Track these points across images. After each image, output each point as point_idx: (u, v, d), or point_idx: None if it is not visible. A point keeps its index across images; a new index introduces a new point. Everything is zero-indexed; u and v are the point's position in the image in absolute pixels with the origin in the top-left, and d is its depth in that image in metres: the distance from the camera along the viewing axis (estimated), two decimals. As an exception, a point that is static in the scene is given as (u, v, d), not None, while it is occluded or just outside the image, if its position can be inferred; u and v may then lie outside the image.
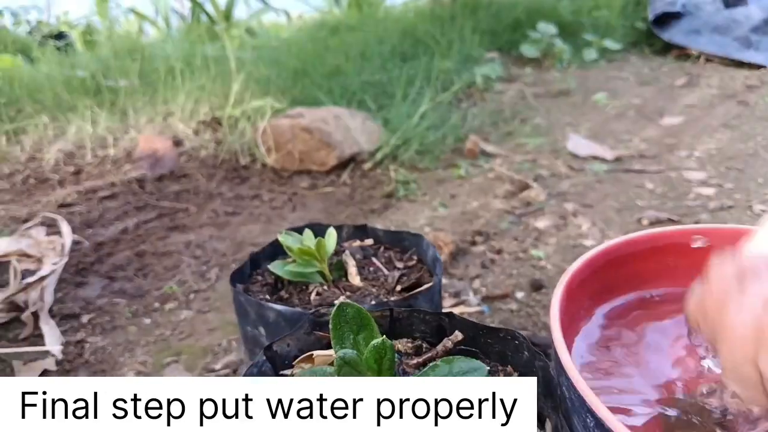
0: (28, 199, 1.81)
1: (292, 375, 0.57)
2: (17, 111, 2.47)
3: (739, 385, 0.44)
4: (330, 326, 0.53)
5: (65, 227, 1.28)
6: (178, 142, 2.10)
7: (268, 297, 0.74)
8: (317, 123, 1.81)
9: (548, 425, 0.51)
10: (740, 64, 3.05)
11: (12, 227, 1.56)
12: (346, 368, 0.48)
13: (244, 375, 0.54)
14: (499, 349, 0.57)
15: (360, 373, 0.48)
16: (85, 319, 1.19)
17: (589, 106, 2.47)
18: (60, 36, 4.09)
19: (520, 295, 1.19)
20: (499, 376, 0.56)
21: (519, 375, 0.55)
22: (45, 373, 1.05)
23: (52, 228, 1.43)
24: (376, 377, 0.48)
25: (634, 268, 0.67)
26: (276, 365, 0.57)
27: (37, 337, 1.14)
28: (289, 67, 2.45)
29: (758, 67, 2.98)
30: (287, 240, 0.77)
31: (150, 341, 1.12)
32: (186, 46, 3.04)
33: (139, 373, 1.04)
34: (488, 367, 0.51)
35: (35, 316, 1.17)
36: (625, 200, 1.61)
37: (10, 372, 1.06)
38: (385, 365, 0.48)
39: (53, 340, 1.11)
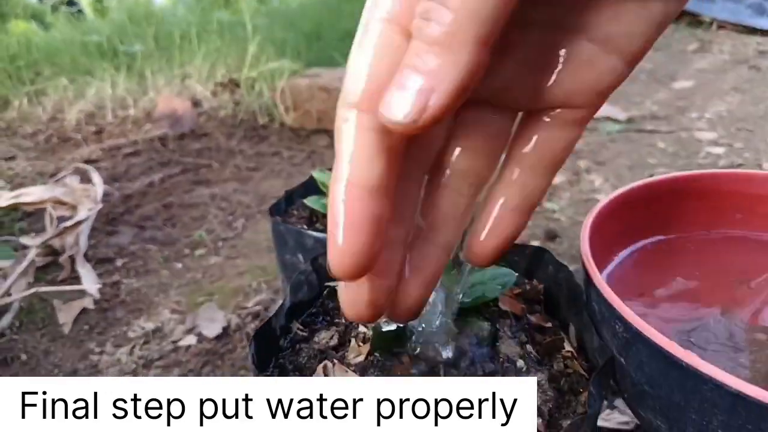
0: (52, 156, 1.86)
1: (334, 286, 0.62)
2: (36, 74, 2.51)
3: None
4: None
5: (96, 177, 1.33)
6: (196, 103, 2.14)
7: (305, 226, 0.79)
8: (335, 82, 1.85)
9: (572, 330, 0.57)
10: (753, 31, 3.05)
11: (40, 182, 1.62)
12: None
13: (291, 283, 0.59)
14: (526, 264, 0.62)
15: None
16: (119, 263, 1.24)
17: (602, 70, 2.48)
18: (71, 2, 4.11)
19: (535, 243, 1.24)
20: (526, 288, 0.61)
21: (544, 287, 0.60)
22: (84, 311, 1.11)
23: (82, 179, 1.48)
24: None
25: (657, 212, 0.70)
26: (320, 277, 0.62)
27: (74, 279, 1.20)
28: (303, 30, 2.48)
29: (771, 33, 2.98)
30: (322, 177, 0.81)
31: (182, 283, 1.18)
32: (198, 11, 3.06)
33: (174, 311, 1.10)
34: (513, 274, 0.56)
35: (71, 259, 1.23)
36: (637, 158, 1.65)
37: (51, 310, 1.12)
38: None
39: (90, 282, 1.17)
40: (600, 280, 0.51)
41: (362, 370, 0.51)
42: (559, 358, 0.53)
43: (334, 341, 0.55)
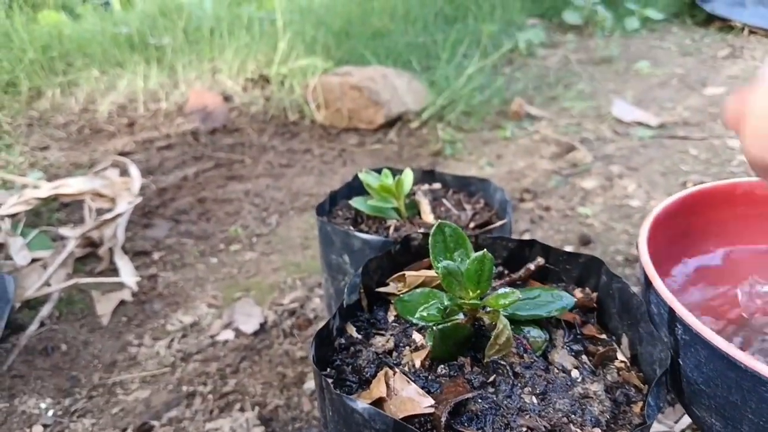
0: (85, 147, 1.88)
1: (386, 292, 0.63)
2: (67, 65, 2.54)
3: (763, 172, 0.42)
4: (430, 242, 0.58)
5: (135, 170, 1.35)
6: (227, 98, 2.15)
7: (351, 227, 0.80)
8: (366, 81, 1.85)
9: (624, 340, 0.57)
10: (785, 37, 3.01)
11: (74, 173, 1.64)
12: (449, 278, 0.53)
13: (348, 286, 0.60)
14: (578, 273, 0.63)
15: (460, 285, 0.54)
16: (156, 256, 1.26)
17: (632, 74, 2.47)
18: (99, -6, 4.14)
19: (568, 248, 1.24)
20: (577, 296, 0.61)
21: (597, 296, 0.60)
22: (122, 303, 1.13)
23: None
24: (476, 289, 0.54)
25: (715, 219, 0.70)
26: (370, 283, 0.63)
27: (112, 272, 1.21)
28: (333, 28, 2.48)
29: (804, 40, 2.94)
30: (368, 178, 0.82)
31: (219, 278, 1.20)
32: (225, 6, 3.08)
33: (211, 306, 1.11)
34: (568, 296, 0.57)
35: (110, 251, 1.25)
36: (670, 164, 1.64)
37: (90, 302, 1.14)
38: (485, 277, 0.53)
39: (128, 274, 1.19)
40: (660, 283, 0.51)
41: (424, 380, 0.51)
42: (613, 368, 0.53)
43: (390, 345, 0.55)
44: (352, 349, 0.57)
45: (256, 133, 1.88)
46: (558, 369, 0.52)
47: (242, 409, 0.88)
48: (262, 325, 1.04)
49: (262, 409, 0.88)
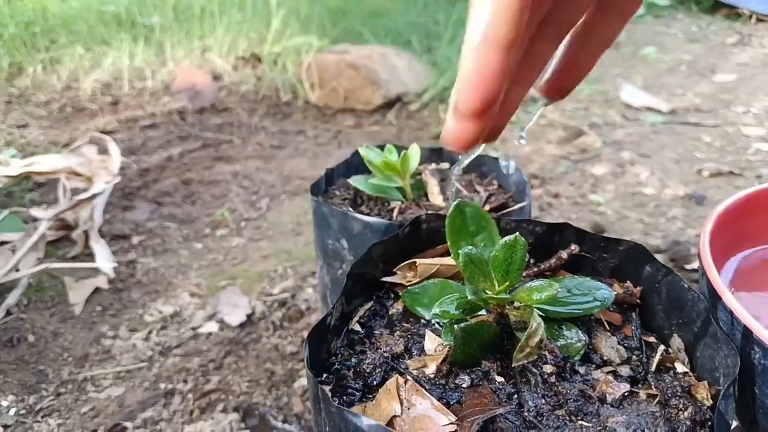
0: (66, 126, 1.78)
1: (393, 282, 0.54)
2: (51, 41, 2.43)
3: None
4: (447, 224, 0.49)
5: (114, 148, 1.25)
6: (216, 77, 2.05)
7: (350, 208, 0.71)
8: (363, 60, 1.75)
9: (675, 341, 0.48)
10: (794, 25, 2.93)
11: (53, 151, 1.54)
12: (472, 267, 0.44)
13: (347, 275, 0.50)
14: (617, 263, 0.54)
15: (485, 275, 0.45)
16: (135, 240, 1.16)
17: (639, 60, 2.38)
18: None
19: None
20: (616, 291, 0.52)
21: (641, 290, 0.51)
22: (97, 291, 1.04)
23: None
24: (504, 281, 0.45)
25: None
26: (376, 270, 0.53)
27: (88, 256, 1.12)
28: (329, 5, 2.38)
29: (813, 28, 2.86)
30: (369, 154, 0.73)
31: (203, 265, 1.10)
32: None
33: (193, 295, 1.02)
34: (608, 289, 0.48)
35: (85, 235, 1.15)
36: (683, 151, 1.55)
37: (62, 288, 1.04)
38: (515, 266, 0.44)
39: (104, 259, 1.09)
40: (731, 297, 0.43)
41: (441, 389, 0.42)
42: (669, 379, 0.44)
43: (399, 346, 0.46)
44: (354, 349, 0.48)
45: (246, 113, 1.78)
46: (601, 381, 0.44)
47: (225, 410, 0.79)
48: (249, 317, 0.95)
49: (248, 411, 0.79)
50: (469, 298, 0.43)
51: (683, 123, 1.74)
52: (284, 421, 0.78)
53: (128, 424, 0.78)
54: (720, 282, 0.45)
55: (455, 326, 0.42)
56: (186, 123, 1.72)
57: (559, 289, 0.42)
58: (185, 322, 0.96)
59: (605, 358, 0.46)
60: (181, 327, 0.95)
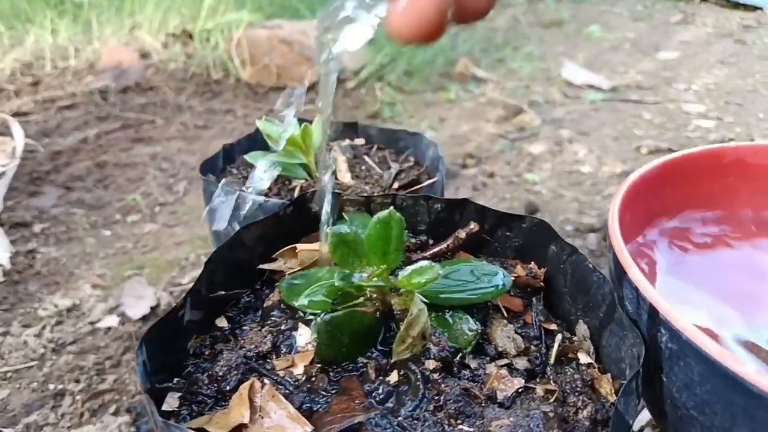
0: (-22, 108, 1.65)
1: (271, 269, 0.47)
2: (-32, 19, 2.27)
3: None
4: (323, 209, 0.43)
5: (17, 128, 1.15)
6: (145, 55, 1.94)
7: (244, 189, 0.64)
8: (297, 35, 1.67)
9: (580, 328, 0.43)
10: (736, 5, 2.94)
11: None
12: (344, 249, 0.38)
13: (207, 263, 0.44)
14: (521, 242, 0.48)
15: (359, 257, 0.39)
16: (37, 228, 1.07)
17: (583, 38, 2.35)
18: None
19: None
20: (516, 273, 0.47)
21: (546, 271, 0.46)
22: (-10, 283, 0.95)
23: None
24: (381, 263, 0.39)
25: (692, 188, 0.56)
26: (253, 255, 0.47)
27: (-18, 246, 1.02)
28: (266, -19, 2.28)
29: (754, 8, 2.88)
30: (268, 127, 0.66)
31: (110, 254, 1.02)
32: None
33: (96, 286, 0.94)
34: (505, 273, 0.42)
35: (-20, 223, 1.05)
36: (623, 129, 1.52)
37: (-49, 282, 0.95)
38: (392, 245, 0.38)
39: (0, 248, 1.00)
40: (637, 273, 0.38)
41: (306, 393, 0.36)
42: (571, 372, 0.39)
43: (266, 345, 0.40)
44: (215, 349, 0.41)
45: (173, 92, 1.68)
46: (492, 377, 0.38)
47: (116, 413, 0.72)
48: (154, 309, 0.88)
49: (141, 412, 0.72)
50: (335, 284, 0.36)
51: (624, 100, 1.71)
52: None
53: (8, 431, 0.71)
54: (626, 254, 0.39)
55: (318, 318, 0.36)
56: (107, 103, 1.61)
57: (440, 272, 0.37)
58: (84, 316, 0.88)
59: (500, 349, 0.40)
60: (79, 321, 0.87)
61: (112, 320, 0.86)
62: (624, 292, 0.41)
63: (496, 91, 1.73)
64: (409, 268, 0.38)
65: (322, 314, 0.37)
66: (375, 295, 0.40)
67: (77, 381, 0.77)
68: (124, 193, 1.19)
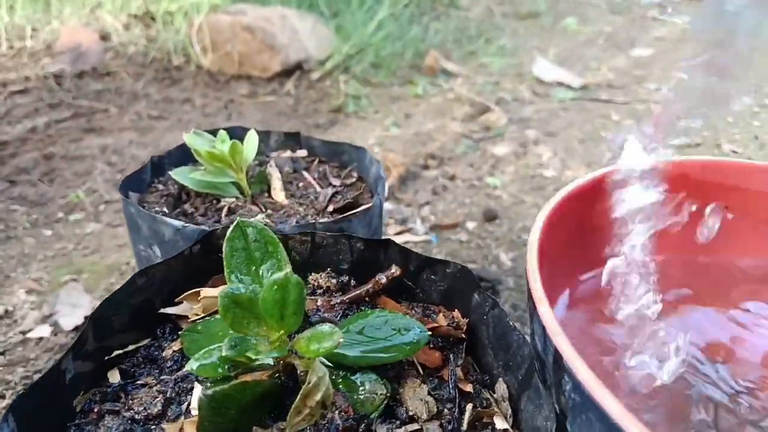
0: (-76, 90, 1.58)
1: (175, 315, 0.44)
2: None
3: None
4: (224, 250, 0.40)
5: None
6: (105, 37, 1.87)
7: (166, 210, 0.60)
8: (260, 22, 1.62)
9: (500, 387, 0.41)
10: (713, 0, 2.93)
11: None
12: (237, 312, 0.35)
13: (99, 308, 0.41)
14: (445, 287, 0.46)
15: (258, 319, 0.36)
16: (-28, 226, 1.02)
17: (559, 31, 2.32)
18: None
19: (471, 225, 1.09)
20: (438, 322, 0.44)
21: (468, 321, 0.44)
22: None
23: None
24: (278, 329, 0.36)
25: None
26: (153, 298, 0.44)
27: None
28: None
29: (731, 4, 2.87)
30: (195, 141, 0.62)
31: (48, 255, 0.98)
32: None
33: (31, 291, 0.90)
34: (420, 328, 0.39)
35: None
36: (590, 130, 1.50)
37: None
38: (289, 309, 0.35)
39: (-69, 249, 0.95)
40: (547, 311, 0.35)
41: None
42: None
43: (157, 407, 0.37)
44: (102, 407, 0.38)
45: (131, 78, 1.62)
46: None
47: None
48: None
49: None
50: (223, 354, 0.33)
51: (593, 99, 1.69)
52: None
53: None
54: (539, 285, 0.37)
55: (201, 394, 0.33)
56: (61, 89, 1.55)
57: (341, 339, 0.34)
58: (14, 324, 0.84)
59: (411, 413, 0.38)
60: (10, 330, 0.83)
61: (45, 330, 0.82)
62: (534, 327, 0.39)
63: (464, 86, 1.70)
64: (308, 333, 0.35)
65: (208, 384, 0.34)
66: (278, 358, 0.37)
67: (2, 396, 0.74)
68: (68, 188, 1.14)
